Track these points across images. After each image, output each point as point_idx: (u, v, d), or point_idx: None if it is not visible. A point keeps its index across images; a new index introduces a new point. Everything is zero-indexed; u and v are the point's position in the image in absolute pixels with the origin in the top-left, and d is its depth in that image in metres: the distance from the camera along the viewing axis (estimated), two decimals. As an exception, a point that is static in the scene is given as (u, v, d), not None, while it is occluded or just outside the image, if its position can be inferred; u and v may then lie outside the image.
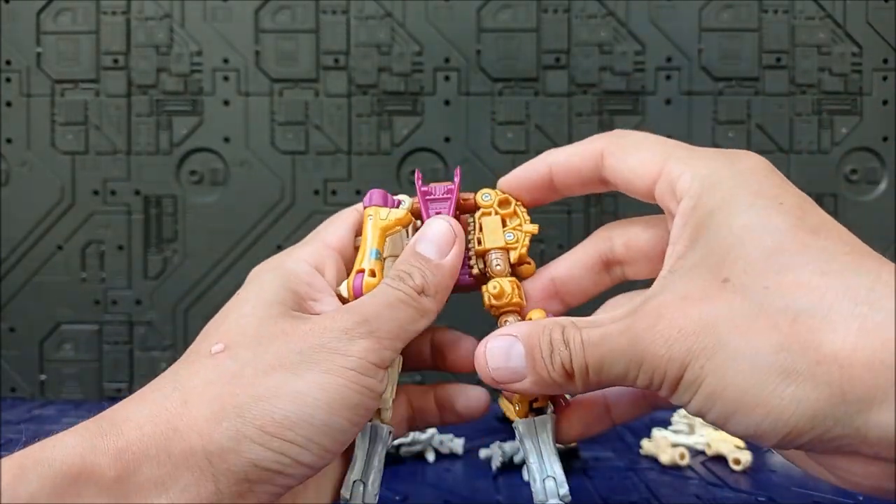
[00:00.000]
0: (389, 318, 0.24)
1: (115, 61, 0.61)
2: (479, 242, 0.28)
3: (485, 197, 0.28)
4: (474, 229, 0.28)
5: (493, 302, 0.27)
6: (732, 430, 0.21)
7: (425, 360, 0.31)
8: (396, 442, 0.43)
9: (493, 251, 0.28)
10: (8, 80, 0.61)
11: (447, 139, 0.61)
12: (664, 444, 0.44)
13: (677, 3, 0.61)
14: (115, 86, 0.61)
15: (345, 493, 0.27)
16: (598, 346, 0.23)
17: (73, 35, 0.61)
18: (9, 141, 0.61)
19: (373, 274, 0.26)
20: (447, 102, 0.61)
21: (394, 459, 0.43)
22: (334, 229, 0.29)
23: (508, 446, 0.41)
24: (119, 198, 0.61)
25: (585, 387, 0.24)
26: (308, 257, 0.27)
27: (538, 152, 0.60)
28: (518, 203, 0.29)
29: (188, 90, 0.61)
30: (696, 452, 0.45)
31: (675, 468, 0.42)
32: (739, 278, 0.21)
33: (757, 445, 0.46)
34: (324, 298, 0.26)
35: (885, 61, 0.61)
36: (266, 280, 0.26)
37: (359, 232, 0.29)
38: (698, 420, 0.47)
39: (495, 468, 0.41)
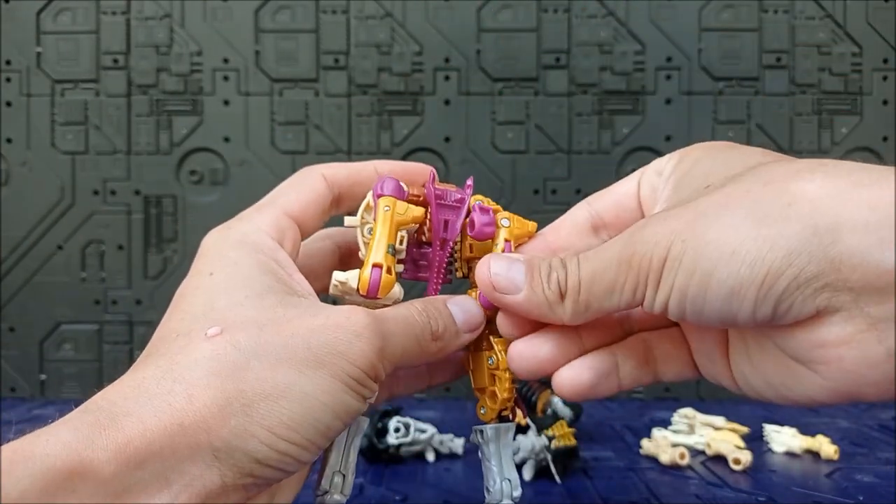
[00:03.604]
0: (401, 344, 0.25)
1: (115, 61, 0.61)
2: (471, 249, 0.29)
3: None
4: (464, 237, 0.29)
5: None
6: (711, 302, 0.22)
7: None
8: (396, 442, 0.43)
9: (478, 259, 0.28)
10: (8, 80, 0.61)
11: (447, 139, 0.61)
12: (664, 444, 0.44)
13: (677, 3, 0.61)
14: (115, 86, 0.61)
15: (325, 485, 0.27)
16: (591, 260, 0.24)
17: (73, 35, 0.61)
18: (9, 141, 0.61)
19: (389, 271, 0.26)
20: (447, 102, 0.61)
21: (394, 459, 0.43)
22: (296, 196, 0.28)
23: (508, 446, 0.41)
24: (119, 198, 0.61)
25: (574, 309, 0.24)
26: (268, 229, 0.26)
27: (538, 152, 0.61)
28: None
29: (188, 90, 0.61)
30: (696, 452, 0.45)
31: (675, 468, 0.42)
32: (720, 182, 0.23)
33: (756, 447, 0.46)
34: (294, 276, 0.26)
35: (885, 61, 0.61)
36: (239, 260, 0.25)
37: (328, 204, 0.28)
38: (698, 420, 0.47)
39: (495, 468, 0.41)
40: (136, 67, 0.61)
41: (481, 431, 0.29)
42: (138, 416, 0.20)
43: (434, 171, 0.29)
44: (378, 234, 0.26)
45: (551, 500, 0.37)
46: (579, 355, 0.27)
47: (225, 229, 0.27)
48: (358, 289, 0.26)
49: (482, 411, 0.29)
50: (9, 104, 0.61)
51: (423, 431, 0.44)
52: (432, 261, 0.28)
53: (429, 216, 0.28)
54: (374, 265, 0.26)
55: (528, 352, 0.26)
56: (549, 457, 0.39)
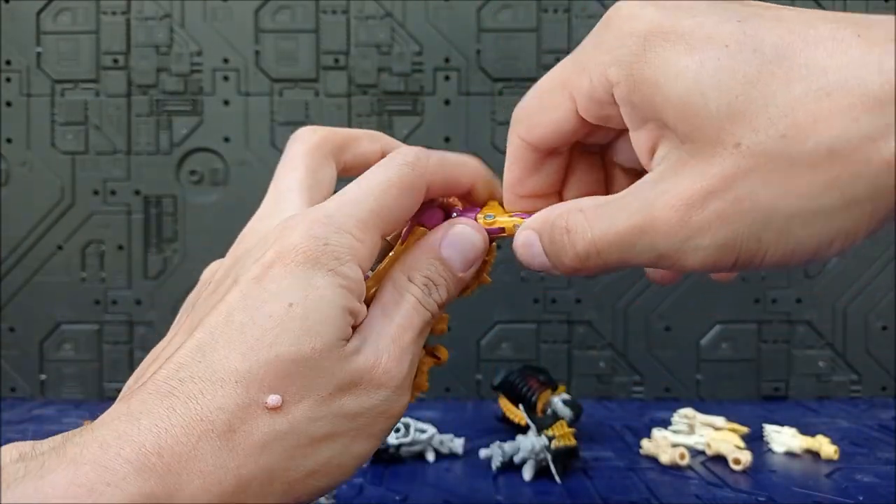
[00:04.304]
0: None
1: (115, 61, 0.61)
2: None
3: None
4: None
5: None
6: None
7: None
8: (396, 442, 0.43)
9: None
10: (8, 80, 0.61)
11: (447, 139, 0.61)
12: (664, 444, 0.44)
13: (677, 3, 0.60)
14: (115, 86, 0.61)
15: None
16: (607, 236, 0.22)
17: (73, 35, 0.61)
18: (9, 141, 0.61)
19: None
20: (447, 102, 0.61)
21: (394, 459, 0.43)
22: (399, 213, 0.25)
23: (508, 446, 0.41)
24: (119, 198, 0.61)
25: (607, 267, 0.23)
26: (364, 261, 0.23)
27: (538, 152, 0.60)
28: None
29: (188, 90, 0.61)
30: (696, 452, 0.45)
31: (675, 468, 0.42)
32: (750, 138, 0.19)
33: (756, 447, 0.46)
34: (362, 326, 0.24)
35: (885, 61, 0.61)
36: (329, 300, 0.22)
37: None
38: (698, 420, 0.47)
39: (495, 468, 0.41)
40: (136, 67, 0.61)
41: None
42: (190, 492, 0.20)
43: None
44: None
45: (551, 500, 0.37)
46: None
47: (323, 245, 0.23)
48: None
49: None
50: (9, 104, 0.61)
51: (423, 431, 0.44)
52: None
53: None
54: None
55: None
56: (549, 457, 0.39)
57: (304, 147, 0.28)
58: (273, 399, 0.21)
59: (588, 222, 0.22)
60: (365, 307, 0.24)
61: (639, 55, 0.21)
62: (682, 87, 0.20)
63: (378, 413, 0.23)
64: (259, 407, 0.21)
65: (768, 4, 0.21)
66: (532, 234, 0.24)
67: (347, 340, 0.22)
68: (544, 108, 0.25)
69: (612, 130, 0.25)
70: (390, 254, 0.27)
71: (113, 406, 0.21)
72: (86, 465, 0.18)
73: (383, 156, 0.29)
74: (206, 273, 0.28)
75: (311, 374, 0.21)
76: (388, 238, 0.27)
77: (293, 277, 0.22)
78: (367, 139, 0.29)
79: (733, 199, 0.20)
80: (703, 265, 0.21)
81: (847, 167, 0.18)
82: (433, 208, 0.27)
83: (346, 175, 0.29)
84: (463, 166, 0.27)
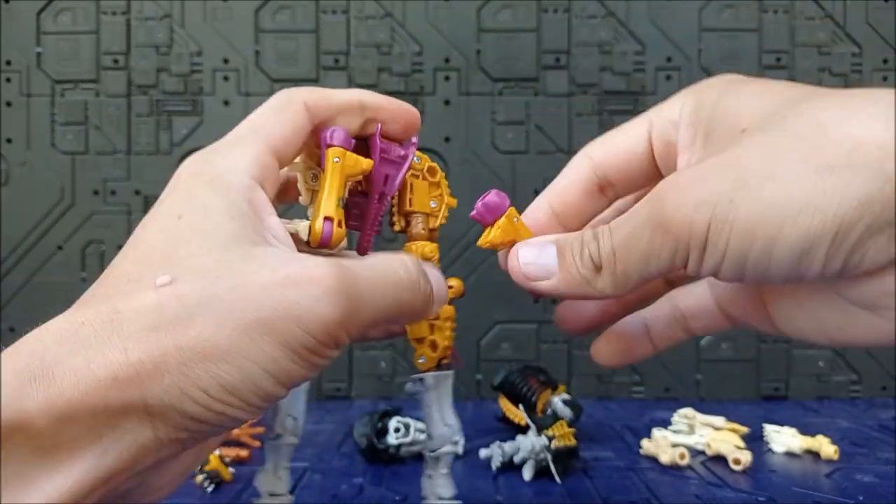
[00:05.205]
0: (374, 306, 0.22)
1: (115, 61, 0.61)
2: (410, 203, 0.29)
3: (415, 160, 0.29)
4: (404, 189, 0.29)
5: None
6: (778, 264, 0.20)
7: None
8: (396, 442, 0.43)
9: (417, 214, 0.29)
10: (8, 80, 0.61)
11: (447, 139, 0.61)
12: (664, 444, 0.44)
13: (677, 3, 0.61)
14: (115, 86, 0.61)
15: (278, 429, 0.28)
16: (622, 226, 0.23)
17: (73, 35, 0.61)
18: (9, 141, 0.61)
19: (340, 224, 0.25)
20: (447, 102, 0.61)
21: (394, 459, 0.43)
22: (280, 129, 0.26)
23: (508, 446, 0.41)
24: (119, 198, 0.61)
25: (614, 281, 0.23)
26: (249, 167, 0.24)
27: (538, 152, 0.61)
28: (443, 175, 0.30)
29: (188, 90, 0.61)
30: (696, 452, 0.45)
31: (675, 468, 0.42)
32: (756, 124, 0.21)
33: (756, 447, 0.46)
34: (268, 221, 0.23)
35: (885, 61, 0.61)
36: (209, 204, 0.22)
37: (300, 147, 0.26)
38: (698, 420, 0.47)
39: (495, 468, 0.41)
40: (136, 67, 0.61)
41: (421, 380, 0.29)
42: (72, 367, 0.19)
43: (414, 116, 0.28)
44: (328, 186, 0.26)
45: (551, 500, 0.37)
46: (620, 308, 0.28)
47: (202, 163, 0.24)
48: (308, 241, 0.25)
49: (421, 360, 0.30)
50: (9, 104, 0.61)
51: (423, 431, 0.44)
52: (367, 212, 0.28)
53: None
54: (326, 218, 0.25)
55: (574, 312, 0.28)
56: (549, 457, 0.39)
57: (284, 116, 0.27)
58: (163, 279, 0.21)
59: (611, 234, 0.24)
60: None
61: (710, 89, 0.25)
62: (733, 112, 0.23)
63: (291, 316, 0.21)
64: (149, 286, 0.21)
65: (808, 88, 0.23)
66: (549, 246, 0.25)
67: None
68: (619, 134, 0.27)
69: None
70: (324, 185, 0.26)
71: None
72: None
73: (360, 130, 0.27)
74: (183, 170, 0.26)
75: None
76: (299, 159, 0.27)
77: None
78: (356, 113, 0.27)
79: (718, 166, 0.21)
80: (679, 227, 0.22)
81: (831, 136, 0.20)
82: (339, 129, 0.26)
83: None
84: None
